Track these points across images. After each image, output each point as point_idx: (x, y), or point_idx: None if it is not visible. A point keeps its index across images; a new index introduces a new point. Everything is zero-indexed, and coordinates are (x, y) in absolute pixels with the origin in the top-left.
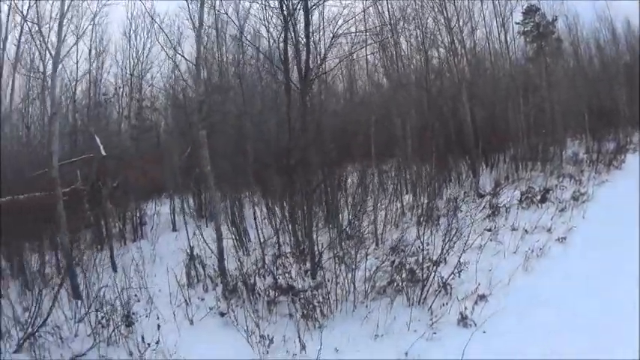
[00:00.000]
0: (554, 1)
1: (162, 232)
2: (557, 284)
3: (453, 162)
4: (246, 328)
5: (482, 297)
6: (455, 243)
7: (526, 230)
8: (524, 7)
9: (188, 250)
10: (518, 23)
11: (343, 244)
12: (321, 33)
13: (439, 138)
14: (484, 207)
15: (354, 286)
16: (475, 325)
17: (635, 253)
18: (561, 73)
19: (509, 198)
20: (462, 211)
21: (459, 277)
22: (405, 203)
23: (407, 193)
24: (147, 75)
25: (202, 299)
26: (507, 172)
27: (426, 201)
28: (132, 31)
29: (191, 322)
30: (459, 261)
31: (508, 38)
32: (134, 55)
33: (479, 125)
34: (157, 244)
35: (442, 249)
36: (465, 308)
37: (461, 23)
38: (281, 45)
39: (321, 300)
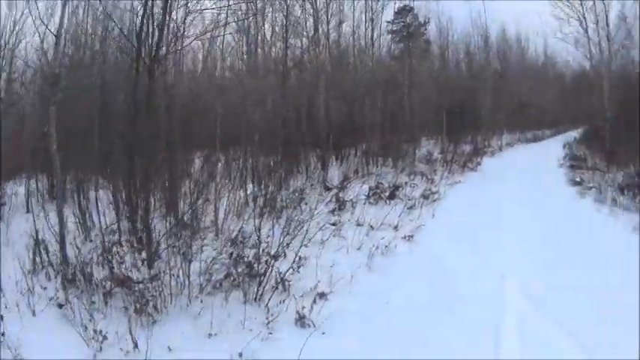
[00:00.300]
0: (427, 1)
1: (16, 213)
2: (401, 284)
3: (304, 153)
4: (81, 321)
5: (322, 295)
6: (296, 236)
7: (372, 226)
8: (398, 7)
9: (34, 235)
10: (388, 22)
11: (182, 233)
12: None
13: (291, 128)
14: (330, 200)
15: (189, 279)
16: (314, 325)
17: (482, 255)
18: (425, 75)
19: (357, 193)
20: (306, 203)
21: (298, 272)
22: (249, 192)
23: (252, 182)
24: (19, 46)
25: (45, 288)
26: (357, 166)
27: (270, 191)
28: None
29: (33, 313)
30: (298, 256)
31: (375, 35)
32: (11, 25)
33: (333, 118)
34: (11, 226)
35: (280, 242)
36: (303, 307)
37: (329, 15)
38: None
39: (154, 293)
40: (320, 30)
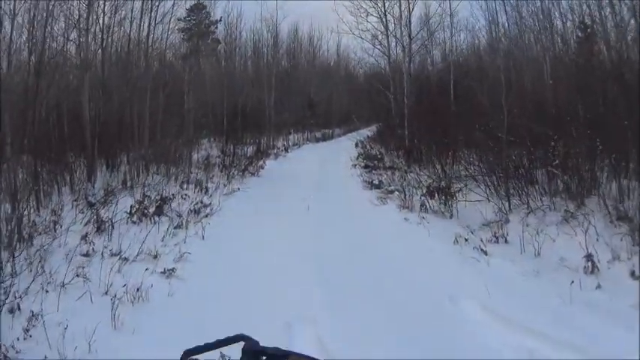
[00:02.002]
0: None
1: None
2: (155, 349)
3: (69, 161)
4: None
5: None
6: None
7: (126, 258)
8: (191, 5)
9: None
10: (180, 20)
11: None
12: None
13: (51, 132)
14: (89, 221)
15: None
16: None
17: (263, 292)
18: (210, 74)
19: (121, 209)
20: (61, 225)
21: (30, 336)
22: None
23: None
24: None
25: None
26: (126, 175)
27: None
28: None
29: None
30: (31, 311)
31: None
32: None
33: (102, 121)
34: None
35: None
36: None
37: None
38: None
39: None
40: (97, 25)
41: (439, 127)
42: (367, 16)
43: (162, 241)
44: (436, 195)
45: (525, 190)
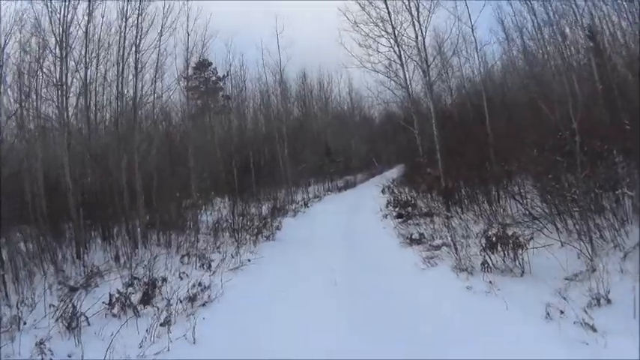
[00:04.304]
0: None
1: None
2: None
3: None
4: None
5: None
6: None
7: None
8: (196, 62)
9: None
10: (185, 78)
11: None
12: None
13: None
14: (61, 315)
15: None
16: None
17: None
18: (220, 130)
19: (104, 295)
20: (24, 322)
21: None
22: None
23: None
24: None
25: None
26: (121, 249)
27: None
28: None
29: None
30: None
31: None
32: None
33: (88, 188)
34: None
35: None
36: None
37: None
38: None
39: None
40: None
41: (480, 159)
42: (377, 46)
43: (140, 347)
44: (499, 246)
45: (614, 225)
